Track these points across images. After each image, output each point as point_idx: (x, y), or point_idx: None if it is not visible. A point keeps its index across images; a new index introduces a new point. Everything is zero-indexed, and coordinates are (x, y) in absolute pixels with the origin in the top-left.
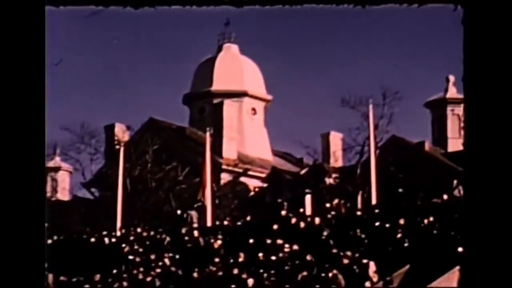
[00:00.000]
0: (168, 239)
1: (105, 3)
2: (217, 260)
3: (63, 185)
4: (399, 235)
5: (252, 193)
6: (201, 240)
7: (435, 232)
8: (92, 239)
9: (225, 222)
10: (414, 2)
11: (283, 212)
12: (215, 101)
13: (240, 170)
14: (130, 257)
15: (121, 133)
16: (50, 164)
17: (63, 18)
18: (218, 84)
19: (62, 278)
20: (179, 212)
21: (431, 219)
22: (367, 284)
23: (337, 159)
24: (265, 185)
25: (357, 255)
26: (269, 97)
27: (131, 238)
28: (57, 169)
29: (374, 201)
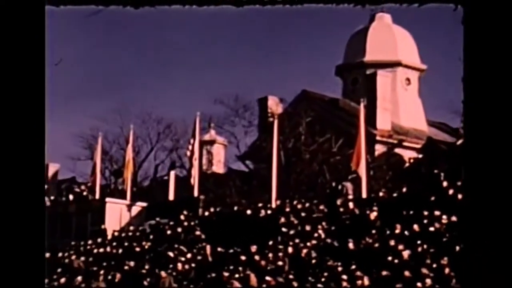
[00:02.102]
0: (323, 210)
1: (105, 3)
2: (373, 231)
3: (218, 158)
4: None
5: (407, 164)
6: (356, 211)
7: None
8: (248, 211)
9: (381, 194)
10: (414, 2)
11: (444, 184)
12: (368, 71)
13: (395, 141)
14: (286, 228)
15: (275, 105)
16: (206, 137)
17: (63, 18)
18: (371, 54)
19: (219, 249)
20: (334, 183)
21: None
22: None
23: None
24: (420, 156)
25: None
26: (424, 66)
27: (287, 209)
28: (212, 142)
29: None
